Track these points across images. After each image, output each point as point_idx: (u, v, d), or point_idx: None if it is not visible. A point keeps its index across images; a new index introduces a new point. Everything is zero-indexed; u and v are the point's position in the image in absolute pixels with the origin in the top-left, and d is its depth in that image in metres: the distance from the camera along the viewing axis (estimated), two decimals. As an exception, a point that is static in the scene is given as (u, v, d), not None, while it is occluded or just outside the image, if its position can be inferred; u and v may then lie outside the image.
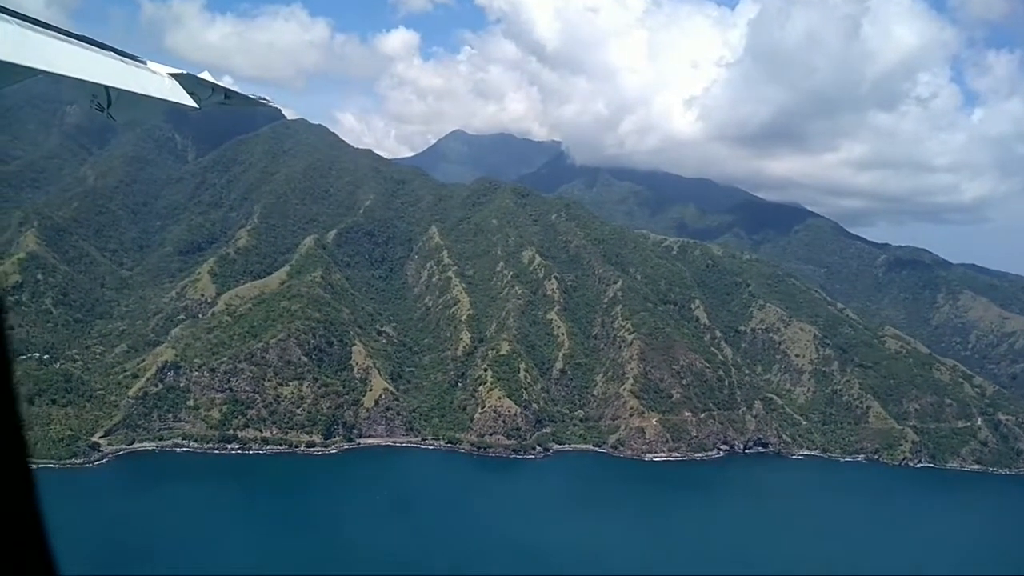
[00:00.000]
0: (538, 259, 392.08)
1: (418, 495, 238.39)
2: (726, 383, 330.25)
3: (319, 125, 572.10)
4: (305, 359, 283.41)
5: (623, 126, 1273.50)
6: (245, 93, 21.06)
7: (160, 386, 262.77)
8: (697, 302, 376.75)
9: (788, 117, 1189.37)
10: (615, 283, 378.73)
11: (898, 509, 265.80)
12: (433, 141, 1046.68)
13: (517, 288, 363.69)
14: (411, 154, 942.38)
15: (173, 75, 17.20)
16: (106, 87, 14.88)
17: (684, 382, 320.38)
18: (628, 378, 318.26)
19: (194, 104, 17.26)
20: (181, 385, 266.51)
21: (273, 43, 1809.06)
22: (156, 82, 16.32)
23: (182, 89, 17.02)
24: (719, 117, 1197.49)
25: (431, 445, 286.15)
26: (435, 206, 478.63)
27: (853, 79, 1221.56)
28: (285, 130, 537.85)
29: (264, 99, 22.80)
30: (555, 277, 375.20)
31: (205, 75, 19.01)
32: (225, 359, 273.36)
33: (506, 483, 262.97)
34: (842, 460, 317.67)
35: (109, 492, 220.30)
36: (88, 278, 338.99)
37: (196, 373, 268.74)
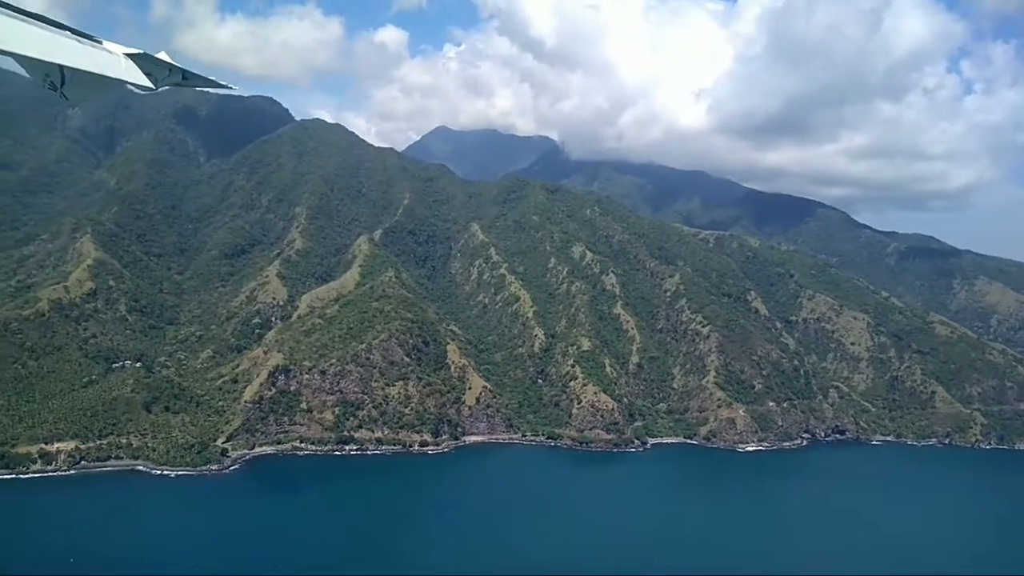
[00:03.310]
0: (589, 254, 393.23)
1: (549, 490, 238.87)
2: (801, 372, 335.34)
3: (336, 124, 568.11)
4: (407, 359, 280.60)
5: (622, 120, 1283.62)
6: (201, 73, 21.29)
7: (273, 390, 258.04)
8: (753, 293, 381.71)
9: (796, 108, 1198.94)
10: (671, 276, 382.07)
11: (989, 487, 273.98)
12: (416, 138, 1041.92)
13: (577, 284, 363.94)
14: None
15: (129, 55, 17.44)
16: (60, 66, 14.92)
17: (764, 373, 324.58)
18: (710, 370, 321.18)
19: (150, 84, 17.62)
20: (292, 388, 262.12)
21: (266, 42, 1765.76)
22: (111, 61, 16.58)
23: (138, 69, 17.30)
24: (728, 109, 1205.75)
25: (532, 441, 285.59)
26: (468, 204, 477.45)
27: (865, 71, 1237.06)
28: (304, 130, 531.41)
29: (222, 82, 22.98)
30: (612, 272, 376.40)
31: (162, 55, 19.28)
32: (333, 361, 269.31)
33: (623, 478, 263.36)
34: (918, 445, 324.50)
35: (258, 496, 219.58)
36: (148, 283, 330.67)
37: (306, 376, 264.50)
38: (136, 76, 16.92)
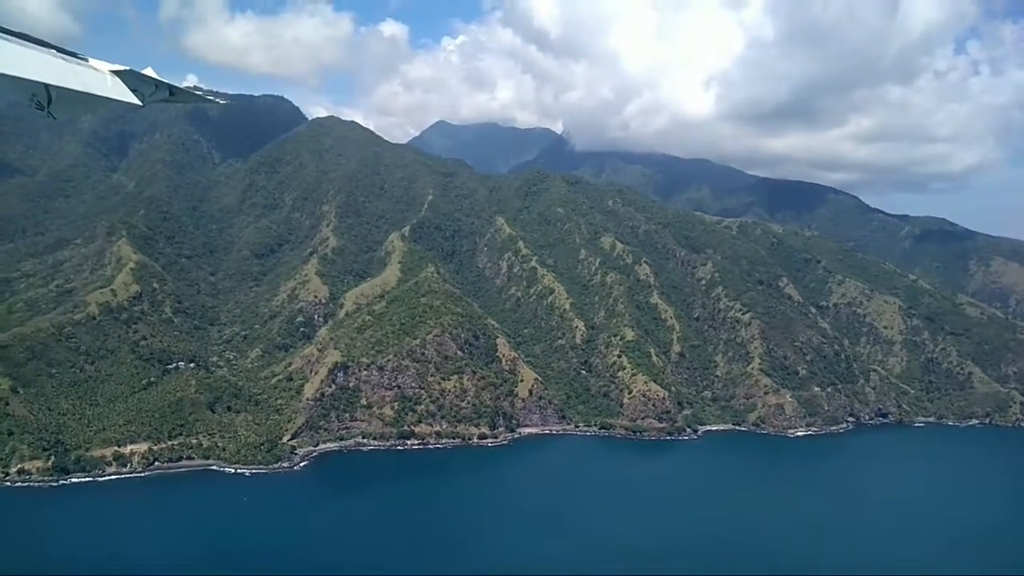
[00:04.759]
0: (620, 245, 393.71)
1: (618, 479, 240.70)
2: (842, 357, 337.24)
3: (352, 122, 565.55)
4: (460, 353, 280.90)
5: (628, 109, 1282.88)
6: (189, 89, 21.63)
7: (333, 387, 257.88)
8: (784, 280, 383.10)
9: (805, 94, 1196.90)
10: (704, 265, 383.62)
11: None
12: (415, 133, 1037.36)
13: (612, 275, 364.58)
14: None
15: (115, 72, 17.45)
16: (46, 85, 14.96)
17: (807, 358, 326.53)
18: (754, 357, 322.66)
19: (137, 101, 17.62)
20: (351, 385, 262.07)
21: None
22: (98, 79, 16.63)
23: (124, 86, 17.34)
24: (737, 96, 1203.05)
25: (585, 432, 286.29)
26: (490, 198, 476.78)
27: (877, 54, 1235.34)
28: (320, 128, 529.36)
29: (210, 95, 23.64)
30: (645, 262, 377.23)
31: (148, 71, 19.24)
32: (390, 357, 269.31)
33: (686, 466, 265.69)
34: (960, 426, 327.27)
35: (336, 492, 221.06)
36: (186, 284, 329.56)
37: (364, 372, 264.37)
38: (123, 93, 17.00)
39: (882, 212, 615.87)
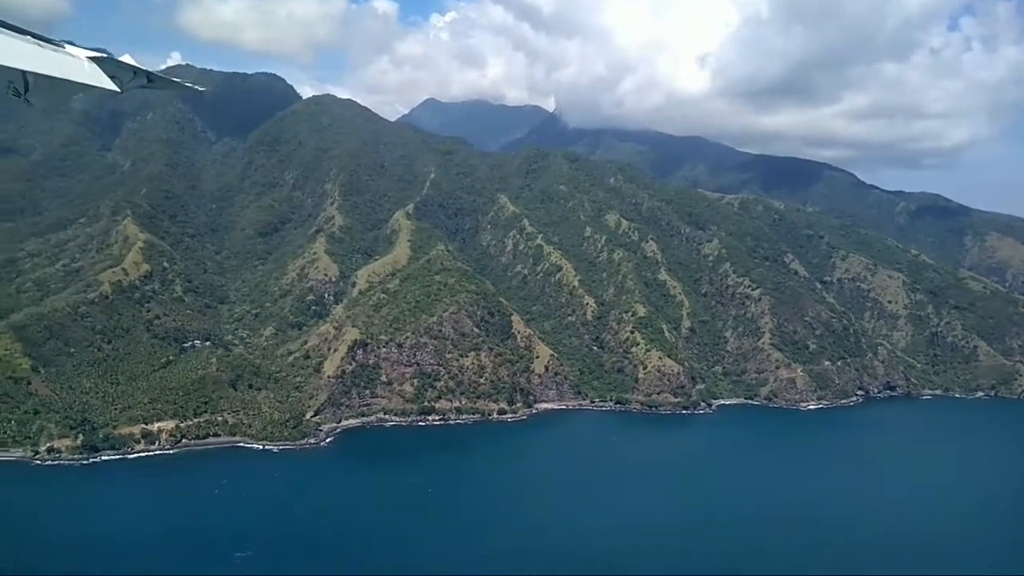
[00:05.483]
0: (625, 222, 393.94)
1: (644, 452, 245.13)
2: (851, 331, 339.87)
3: (348, 99, 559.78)
4: (476, 330, 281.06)
5: (622, 86, 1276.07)
6: (166, 76, 21.63)
7: (353, 364, 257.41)
8: (789, 255, 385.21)
9: (800, 70, 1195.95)
10: (710, 241, 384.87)
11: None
12: (404, 111, 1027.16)
13: (618, 252, 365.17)
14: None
15: (93, 59, 17.54)
16: (23, 72, 15.17)
17: (816, 332, 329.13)
18: (764, 332, 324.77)
19: (115, 88, 17.69)
20: (371, 362, 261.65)
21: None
22: (75, 66, 16.72)
23: (103, 73, 17.39)
24: (732, 73, 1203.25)
25: (601, 406, 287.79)
26: (491, 175, 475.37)
27: (873, 30, 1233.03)
28: (317, 107, 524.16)
29: (187, 83, 23.78)
30: (652, 239, 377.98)
31: (126, 58, 19.47)
32: (408, 334, 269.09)
33: (708, 438, 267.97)
34: (967, 398, 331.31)
35: (366, 466, 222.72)
36: (193, 263, 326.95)
37: (383, 350, 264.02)
38: (101, 80, 16.93)
39: (878, 188, 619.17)
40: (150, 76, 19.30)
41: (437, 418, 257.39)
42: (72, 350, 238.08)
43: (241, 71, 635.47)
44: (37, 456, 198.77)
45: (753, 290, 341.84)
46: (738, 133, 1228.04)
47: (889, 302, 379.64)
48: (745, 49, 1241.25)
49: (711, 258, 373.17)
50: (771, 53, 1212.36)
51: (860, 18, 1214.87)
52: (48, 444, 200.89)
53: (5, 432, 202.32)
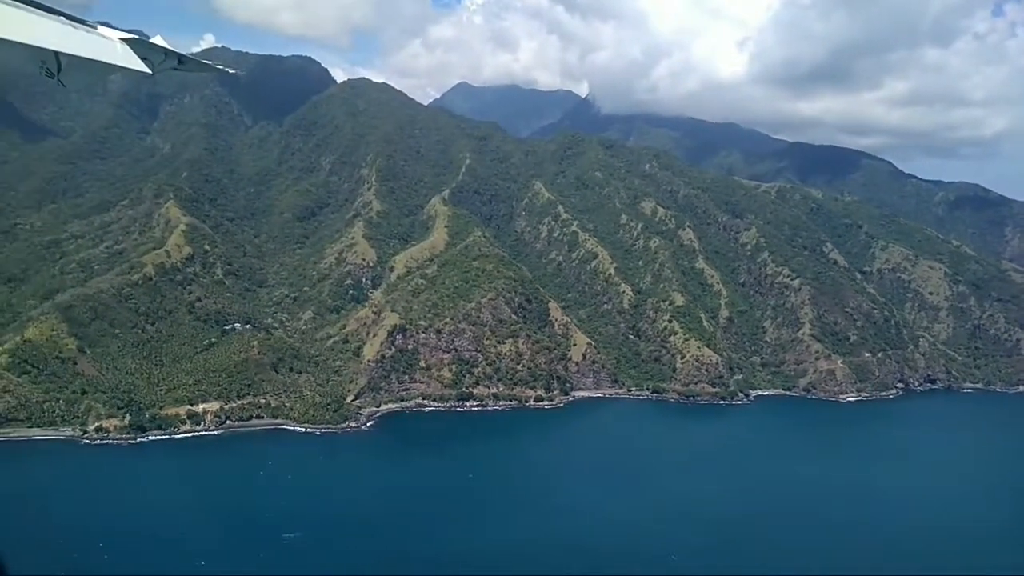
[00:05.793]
0: (661, 210, 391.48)
1: (682, 442, 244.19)
2: (892, 323, 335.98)
3: (383, 83, 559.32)
4: (514, 317, 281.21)
5: (657, 71, 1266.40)
6: (198, 58, 21.45)
7: (392, 349, 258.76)
8: (828, 245, 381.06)
9: (841, 55, 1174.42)
10: (747, 230, 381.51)
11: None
12: (435, 95, 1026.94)
13: (655, 239, 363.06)
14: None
15: (125, 40, 17.09)
16: (55, 52, 14.65)
17: (857, 324, 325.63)
18: (804, 323, 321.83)
19: (147, 70, 17.31)
20: (410, 348, 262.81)
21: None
22: (107, 47, 16.35)
23: (134, 54, 17.04)
24: (771, 57, 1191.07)
25: (638, 395, 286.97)
26: (525, 161, 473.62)
27: (917, 15, 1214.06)
28: (352, 91, 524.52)
29: (218, 66, 23.39)
30: (689, 227, 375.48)
31: (158, 39, 19.03)
32: (447, 320, 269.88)
33: (747, 428, 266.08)
34: (1009, 392, 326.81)
35: (410, 449, 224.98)
36: (233, 247, 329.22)
37: (423, 335, 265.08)
38: (132, 61, 16.70)
39: (915, 177, 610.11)
40: (181, 58, 19.47)
41: (475, 404, 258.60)
42: (117, 331, 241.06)
43: (276, 54, 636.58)
44: (86, 435, 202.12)
45: (792, 280, 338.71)
46: (773, 120, 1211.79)
47: (930, 294, 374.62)
48: (785, 33, 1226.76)
49: (749, 247, 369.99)
50: (812, 37, 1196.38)
51: (903, 2, 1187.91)
52: (96, 424, 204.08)
53: (54, 411, 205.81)
